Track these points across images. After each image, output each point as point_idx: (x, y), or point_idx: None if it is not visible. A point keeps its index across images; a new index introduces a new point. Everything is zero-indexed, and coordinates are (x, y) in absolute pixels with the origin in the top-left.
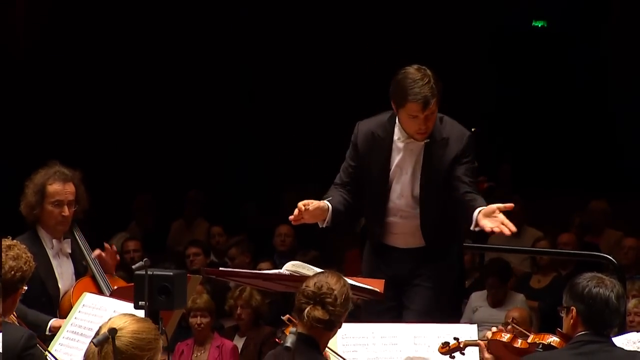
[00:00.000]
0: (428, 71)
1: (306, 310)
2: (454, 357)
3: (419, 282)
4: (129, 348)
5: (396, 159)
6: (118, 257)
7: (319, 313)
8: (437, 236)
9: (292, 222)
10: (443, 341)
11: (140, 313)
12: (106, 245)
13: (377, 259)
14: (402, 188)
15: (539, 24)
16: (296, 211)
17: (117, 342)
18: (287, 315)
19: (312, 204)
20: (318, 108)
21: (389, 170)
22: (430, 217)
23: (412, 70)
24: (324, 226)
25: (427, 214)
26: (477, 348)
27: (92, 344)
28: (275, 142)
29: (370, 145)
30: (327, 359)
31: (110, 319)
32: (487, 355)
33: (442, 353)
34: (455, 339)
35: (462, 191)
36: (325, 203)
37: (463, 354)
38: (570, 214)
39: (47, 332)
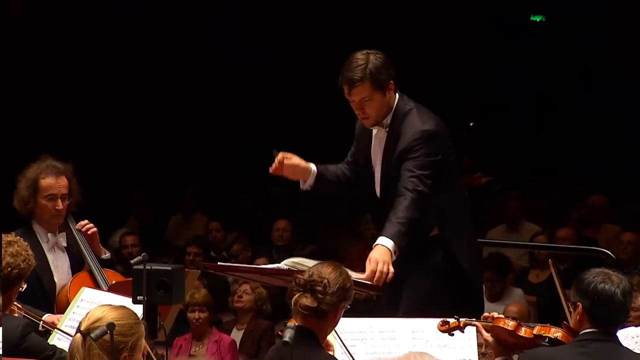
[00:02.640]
0: (373, 56)
1: (294, 298)
2: (453, 334)
3: (405, 282)
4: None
5: (373, 144)
6: (94, 228)
7: (307, 301)
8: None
9: (270, 172)
10: (443, 319)
11: (139, 308)
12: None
13: None
14: (377, 177)
15: (538, 18)
16: (276, 161)
17: (99, 333)
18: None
19: (294, 158)
20: (315, 103)
21: (370, 157)
22: (390, 209)
23: (357, 54)
24: (304, 188)
25: (387, 206)
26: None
27: (75, 337)
28: (273, 137)
29: (361, 132)
30: (329, 350)
31: (88, 313)
32: (485, 333)
33: (442, 331)
34: (455, 317)
35: (399, 187)
36: (310, 165)
37: (463, 332)
38: (568, 208)
39: (40, 328)
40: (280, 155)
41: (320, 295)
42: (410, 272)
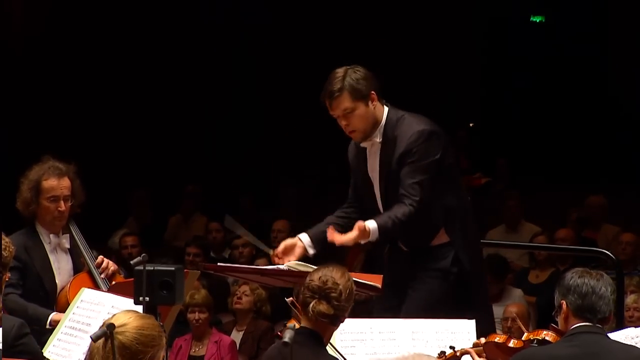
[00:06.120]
0: (353, 70)
1: (311, 305)
2: None
3: (412, 285)
4: (133, 344)
5: (369, 162)
6: (112, 266)
7: (323, 308)
8: (414, 238)
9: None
10: (439, 351)
11: (140, 308)
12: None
13: (388, 258)
14: (378, 190)
15: (538, 18)
16: (275, 259)
17: (122, 338)
18: (291, 298)
19: (278, 250)
20: (315, 103)
21: (367, 174)
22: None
23: (336, 70)
24: (311, 255)
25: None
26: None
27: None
28: (273, 137)
29: (355, 153)
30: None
31: (114, 315)
32: (477, 359)
33: None
34: (451, 347)
35: (399, 192)
36: (295, 240)
37: None
38: (568, 209)
39: (47, 326)
40: (272, 255)
41: (336, 302)
42: (418, 276)
